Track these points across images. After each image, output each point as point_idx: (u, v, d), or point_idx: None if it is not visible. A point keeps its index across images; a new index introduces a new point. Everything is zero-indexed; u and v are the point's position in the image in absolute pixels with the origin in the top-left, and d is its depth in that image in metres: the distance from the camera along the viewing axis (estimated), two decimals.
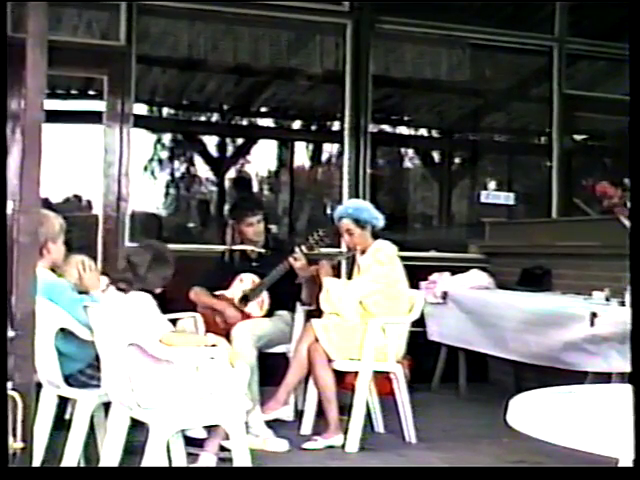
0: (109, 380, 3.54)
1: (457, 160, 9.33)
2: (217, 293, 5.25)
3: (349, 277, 5.14)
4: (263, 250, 5.29)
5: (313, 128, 9.02)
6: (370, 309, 4.80)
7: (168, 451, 3.54)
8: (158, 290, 3.71)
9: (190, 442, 3.89)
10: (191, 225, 8.82)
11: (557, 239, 6.03)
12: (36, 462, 3.25)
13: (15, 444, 2.70)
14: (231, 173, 8.60)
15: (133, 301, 3.59)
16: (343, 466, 4.16)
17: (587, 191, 7.20)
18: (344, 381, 5.03)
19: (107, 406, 3.74)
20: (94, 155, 6.39)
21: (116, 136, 6.31)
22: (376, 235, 4.98)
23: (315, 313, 4.99)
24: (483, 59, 7.67)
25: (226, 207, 8.14)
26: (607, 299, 4.87)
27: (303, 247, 5.02)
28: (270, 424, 4.60)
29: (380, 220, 4.99)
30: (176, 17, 6.66)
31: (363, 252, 4.97)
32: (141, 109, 7.35)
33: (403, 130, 8.94)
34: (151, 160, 8.30)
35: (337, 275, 5.27)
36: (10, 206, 2.97)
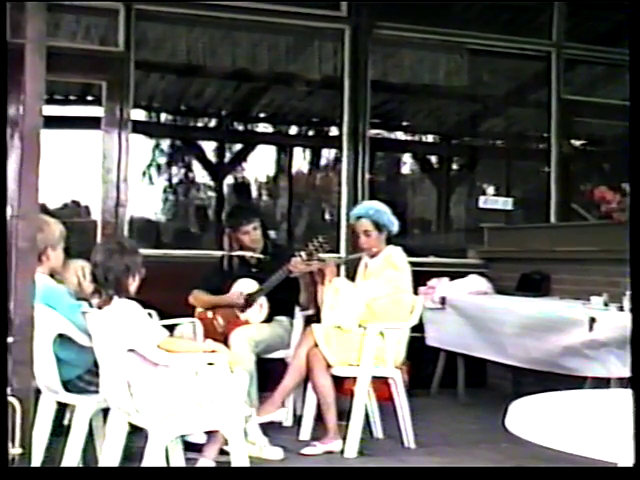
0: (108, 386, 3.53)
1: (455, 165, 9.33)
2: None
3: (353, 278, 5.12)
4: (262, 256, 5.28)
5: (311, 133, 9.03)
6: (377, 312, 4.79)
7: (167, 457, 3.54)
8: (133, 287, 3.57)
9: (189, 447, 3.88)
10: (190, 231, 8.81)
11: (556, 244, 6.03)
12: None
13: (13, 450, 2.69)
14: (229, 179, 8.60)
15: (119, 309, 3.51)
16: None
17: (585, 196, 7.19)
18: (343, 386, 5.02)
19: (106, 412, 3.73)
20: (92, 161, 6.38)
21: (114, 142, 6.30)
22: (389, 240, 4.99)
23: (314, 318, 4.98)
24: (481, 64, 7.66)
25: (224, 213, 8.13)
26: (606, 304, 4.85)
27: (302, 253, 5.01)
28: (268, 430, 4.59)
29: (396, 226, 5.01)
30: (174, 23, 6.66)
31: (373, 256, 4.97)
32: (139, 115, 7.37)
33: (401, 135, 8.94)
34: (150, 166, 8.31)
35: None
36: (9, 212, 2.97)
